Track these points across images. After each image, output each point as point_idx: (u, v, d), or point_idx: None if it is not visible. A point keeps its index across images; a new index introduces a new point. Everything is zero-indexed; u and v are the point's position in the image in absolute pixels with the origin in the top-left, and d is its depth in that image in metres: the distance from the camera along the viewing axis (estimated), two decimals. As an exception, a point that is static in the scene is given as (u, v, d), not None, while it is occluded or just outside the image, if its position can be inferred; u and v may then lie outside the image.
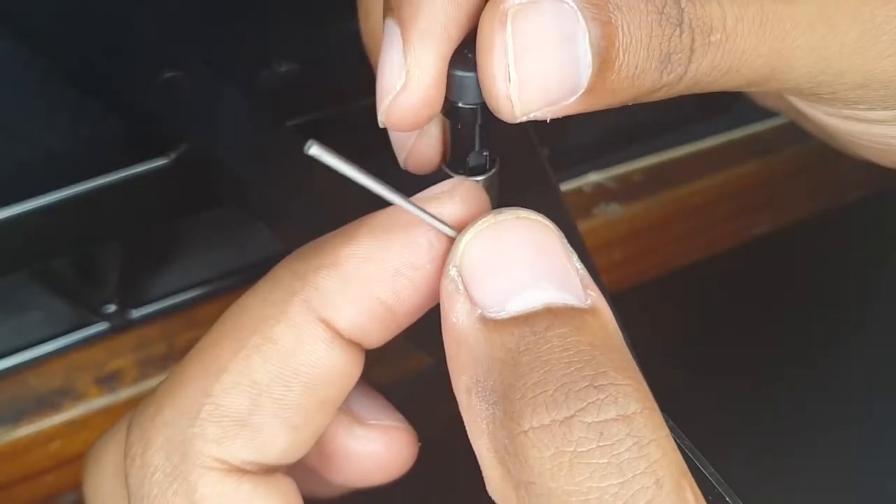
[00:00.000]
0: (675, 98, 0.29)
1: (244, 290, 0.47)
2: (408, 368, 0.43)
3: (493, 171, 0.31)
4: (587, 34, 0.26)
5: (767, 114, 0.56)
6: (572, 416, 0.24)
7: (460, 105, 0.29)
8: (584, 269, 0.27)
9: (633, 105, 0.28)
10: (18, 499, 0.44)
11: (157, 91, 0.42)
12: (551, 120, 0.27)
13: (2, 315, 0.45)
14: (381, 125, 0.30)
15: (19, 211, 0.40)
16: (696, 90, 0.28)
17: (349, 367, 0.28)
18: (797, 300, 0.71)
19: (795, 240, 0.63)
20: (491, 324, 0.26)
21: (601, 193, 0.53)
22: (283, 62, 0.47)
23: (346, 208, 0.35)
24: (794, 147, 0.57)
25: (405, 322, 0.29)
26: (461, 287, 0.26)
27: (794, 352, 0.70)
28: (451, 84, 0.28)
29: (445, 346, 0.27)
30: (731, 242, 0.59)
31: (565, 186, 0.53)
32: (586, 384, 0.24)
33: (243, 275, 0.47)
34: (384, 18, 0.29)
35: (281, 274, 0.28)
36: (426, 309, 0.29)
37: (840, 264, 0.72)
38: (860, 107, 0.31)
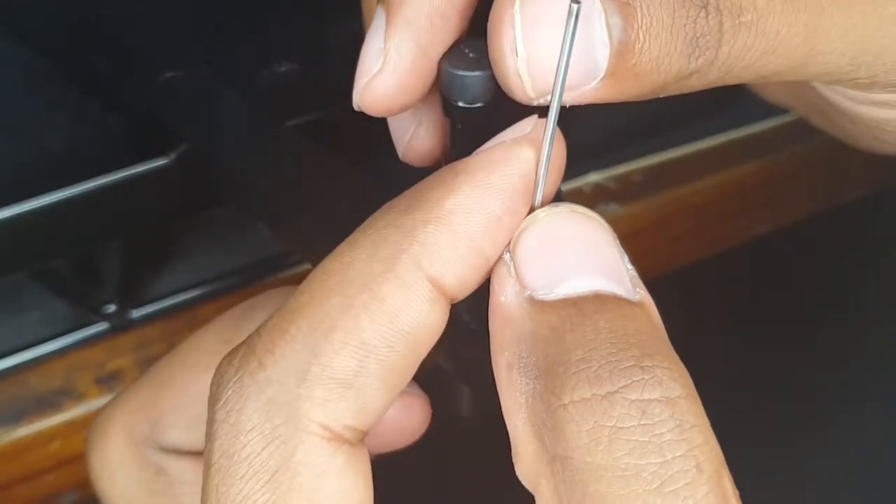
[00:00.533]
0: (675, 96, 0.28)
1: (244, 290, 0.47)
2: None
3: (494, 170, 0.31)
4: (603, 14, 0.25)
5: (767, 114, 0.57)
6: (615, 392, 0.24)
7: (461, 105, 0.29)
8: (634, 271, 0.27)
9: (635, 104, 0.28)
10: (18, 499, 0.44)
11: (157, 91, 0.42)
12: (570, 108, 0.27)
13: (2, 315, 0.45)
14: (354, 107, 0.30)
15: (19, 211, 0.40)
16: (731, 78, 0.27)
17: (442, 323, 0.27)
18: (797, 300, 0.71)
19: (795, 240, 0.63)
20: (538, 304, 0.26)
21: (601, 193, 0.53)
22: (283, 62, 0.47)
23: (347, 208, 0.35)
24: (794, 147, 0.57)
25: (490, 271, 0.28)
26: (513, 271, 0.26)
27: (794, 351, 0.70)
28: (452, 83, 0.28)
29: (490, 324, 0.27)
30: (731, 242, 0.59)
31: (565, 186, 0.53)
32: (631, 363, 0.24)
33: (243, 275, 0.47)
34: (377, 5, 0.29)
35: (383, 229, 0.27)
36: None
37: (840, 264, 0.72)
38: None
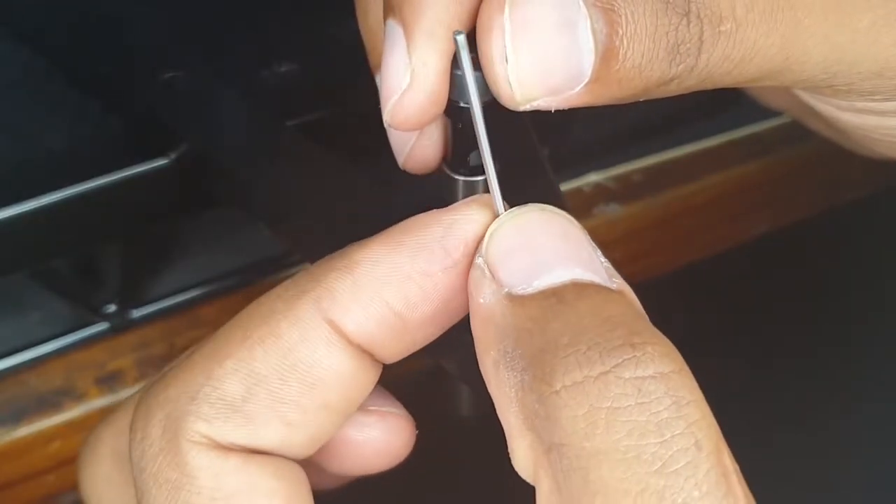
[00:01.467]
0: (675, 97, 0.28)
1: (244, 290, 0.47)
2: (408, 368, 0.43)
3: (494, 170, 0.31)
4: (588, 21, 0.26)
5: (767, 114, 0.57)
6: (608, 372, 0.23)
7: (462, 104, 0.29)
8: (609, 263, 0.27)
9: (636, 104, 0.28)
10: (18, 499, 0.44)
11: (157, 91, 0.42)
12: (556, 114, 0.27)
13: (2, 315, 0.45)
14: (386, 125, 0.30)
15: (19, 211, 0.40)
16: (710, 83, 0.28)
17: (357, 375, 0.28)
18: (797, 300, 0.71)
19: (795, 240, 0.63)
20: (518, 299, 0.26)
21: (601, 193, 0.53)
22: (283, 62, 0.47)
23: (347, 208, 0.35)
24: (794, 147, 0.57)
25: (419, 335, 0.29)
26: (487, 273, 0.27)
27: (795, 352, 0.70)
28: (453, 83, 0.28)
29: (473, 328, 0.27)
30: (731, 242, 0.59)
31: (565, 186, 0.53)
32: (621, 342, 0.24)
33: (243, 275, 0.47)
34: (385, 19, 0.29)
35: (300, 275, 0.29)
36: (440, 325, 0.29)
37: (840, 264, 0.72)
38: (875, 98, 0.31)
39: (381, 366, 0.29)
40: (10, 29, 0.46)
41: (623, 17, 0.26)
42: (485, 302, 0.26)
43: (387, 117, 0.29)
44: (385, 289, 0.28)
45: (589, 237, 0.27)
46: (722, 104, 0.56)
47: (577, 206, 0.52)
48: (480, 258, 0.27)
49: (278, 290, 0.29)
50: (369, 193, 0.35)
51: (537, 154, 0.36)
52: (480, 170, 0.31)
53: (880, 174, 0.58)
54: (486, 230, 0.28)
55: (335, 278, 0.28)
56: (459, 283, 0.28)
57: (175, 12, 0.47)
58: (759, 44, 0.27)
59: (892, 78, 0.30)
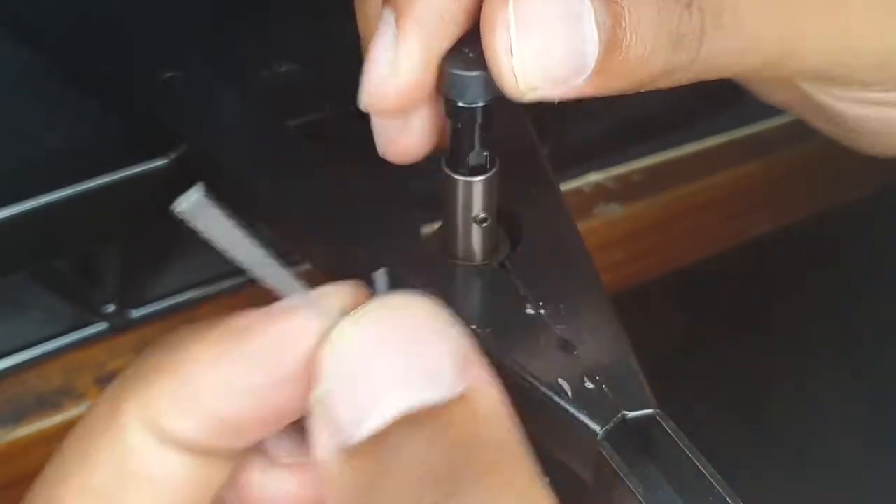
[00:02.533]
0: (676, 97, 0.29)
1: (244, 290, 0.47)
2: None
3: (493, 170, 0.31)
4: (593, 12, 0.26)
5: (767, 114, 0.57)
6: None
7: (461, 104, 0.29)
8: (468, 346, 0.24)
9: (635, 104, 0.28)
10: (18, 499, 0.44)
11: (157, 91, 0.42)
12: (556, 114, 0.27)
13: (2, 315, 0.45)
14: (362, 108, 0.30)
15: (19, 211, 0.40)
16: (712, 74, 0.28)
17: (200, 473, 0.26)
18: (797, 300, 0.71)
19: (795, 240, 0.63)
20: (350, 452, 0.23)
21: (601, 193, 0.53)
22: (283, 62, 0.47)
23: (346, 208, 0.35)
24: (794, 147, 0.57)
25: (257, 435, 0.27)
26: (321, 414, 0.24)
27: (795, 352, 0.70)
28: (452, 83, 0.28)
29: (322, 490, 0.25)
30: (731, 242, 0.59)
31: (565, 186, 0.53)
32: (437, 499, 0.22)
33: (243, 275, 0.47)
34: (382, 6, 0.29)
35: (129, 372, 0.27)
36: (286, 420, 0.27)
37: (840, 264, 0.72)
38: (875, 89, 0.31)
39: (240, 450, 0.27)
40: (10, 29, 0.46)
41: (626, 8, 0.26)
42: (321, 458, 0.24)
43: (364, 99, 0.29)
44: (211, 400, 0.25)
45: (442, 315, 0.24)
46: (722, 104, 0.56)
47: (577, 206, 0.52)
48: (314, 393, 0.24)
49: (109, 392, 0.27)
50: (368, 193, 0.35)
51: (537, 154, 0.36)
52: (480, 170, 0.31)
53: (880, 174, 0.58)
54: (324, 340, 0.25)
55: (158, 383, 0.26)
56: (296, 392, 0.25)
57: (175, 12, 0.47)
58: (760, 34, 0.27)
59: (892, 69, 0.30)
